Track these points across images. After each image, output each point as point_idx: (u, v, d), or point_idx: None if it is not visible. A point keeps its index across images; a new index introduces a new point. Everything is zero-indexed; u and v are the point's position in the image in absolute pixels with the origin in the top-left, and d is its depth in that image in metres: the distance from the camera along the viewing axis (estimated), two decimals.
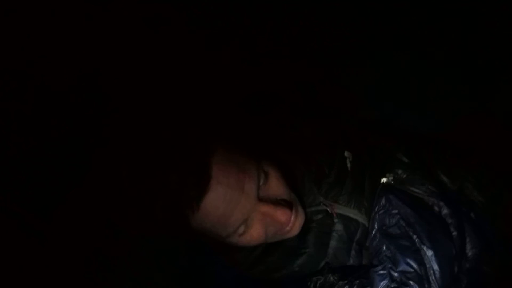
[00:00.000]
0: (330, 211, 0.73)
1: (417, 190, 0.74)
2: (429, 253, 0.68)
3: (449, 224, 0.71)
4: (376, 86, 0.93)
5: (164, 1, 0.88)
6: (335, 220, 0.73)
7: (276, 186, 0.67)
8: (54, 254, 0.62)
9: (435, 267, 0.67)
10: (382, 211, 0.73)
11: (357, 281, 0.69)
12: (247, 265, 0.71)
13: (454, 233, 0.71)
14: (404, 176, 0.76)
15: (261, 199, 0.64)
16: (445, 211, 0.72)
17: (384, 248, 0.70)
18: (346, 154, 0.77)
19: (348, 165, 0.76)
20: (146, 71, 0.85)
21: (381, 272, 0.69)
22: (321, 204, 0.73)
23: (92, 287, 0.62)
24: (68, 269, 0.61)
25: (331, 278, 0.70)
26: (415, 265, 0.67)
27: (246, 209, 0.62)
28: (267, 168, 0.66)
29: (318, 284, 0.70)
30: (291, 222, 0.67)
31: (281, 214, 0.65)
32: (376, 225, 0.72)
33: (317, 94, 0.94)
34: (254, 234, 0.65)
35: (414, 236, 0.69)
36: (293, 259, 0.71)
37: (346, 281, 0.70)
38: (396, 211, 0.72)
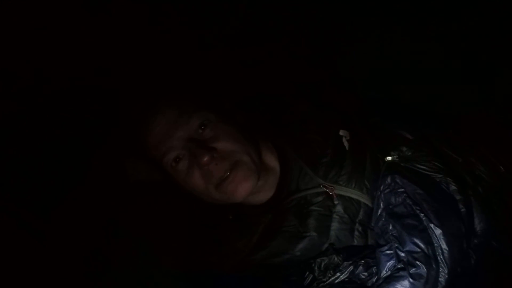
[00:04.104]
0: (330, 193, 0.71)
1: (423, 167, 0.71)
2: (437, 231, 0.65)
3: (457, 201, 0.68)
4: (377, 86, 0.91)
5: (164, 1, 0.87)
6: (336, 202, 0.71)
7: (214, 136, 0.71)
8: (54, 254, 0.63)
9: (444, 246, 0.64)
10: (387, 190, 0.70)
11: (362, 261, 0.68)
12: (249, 251, 0.71)
13: (463, 210, 0.67)
14: (409, 153, 0.73)
15: (191, 140, 0.70)
16: (452, 187, 0.69)
17: (391, 227, 0.68)
18: (341, 132, 0.74)
19: (346, 144, 0.74)
20: (145, 72, 0.84)
21: (388, 252, 0.66)
22: (320, 186, 0.72)
23: (91, 287, 0.63)
24: (67, 268, 0.62)
25: (336, 259, 0.69)
26: (422, 245, 0.64)
27: (178, 139, 0.71)
28: (211, 118, 0.72)
29: (322, 266, 0.69)
30: (227, 175, 0.69)
31: (199, 154, 0.68)
32: (381, 204, 0.70)
33: (317, 94, 0.91)
34: (191, 174, 0.71)
35: (421, 215, 0.66)
36: (295, 243, 0.70)
37: (351, 262, 0.68)
38: (402, 189, 0.69)
